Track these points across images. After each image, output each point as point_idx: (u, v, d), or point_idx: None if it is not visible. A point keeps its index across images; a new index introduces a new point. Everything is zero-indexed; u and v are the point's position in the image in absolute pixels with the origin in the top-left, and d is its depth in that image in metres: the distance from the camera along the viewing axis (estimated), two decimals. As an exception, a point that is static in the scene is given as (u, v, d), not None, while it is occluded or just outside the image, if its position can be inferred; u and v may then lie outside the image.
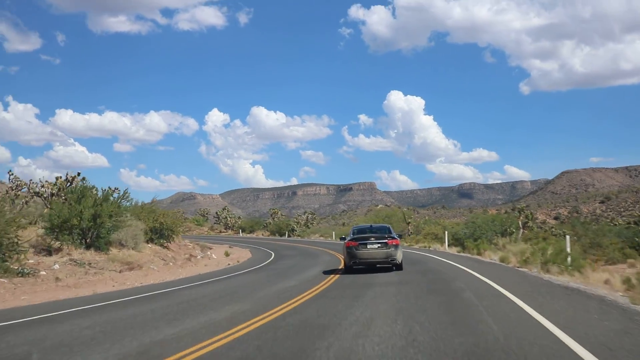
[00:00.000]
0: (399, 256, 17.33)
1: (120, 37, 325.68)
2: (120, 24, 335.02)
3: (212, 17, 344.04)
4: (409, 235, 50.02)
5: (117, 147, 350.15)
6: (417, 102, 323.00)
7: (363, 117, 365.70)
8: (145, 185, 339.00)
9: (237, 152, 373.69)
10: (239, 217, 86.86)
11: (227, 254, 34.19)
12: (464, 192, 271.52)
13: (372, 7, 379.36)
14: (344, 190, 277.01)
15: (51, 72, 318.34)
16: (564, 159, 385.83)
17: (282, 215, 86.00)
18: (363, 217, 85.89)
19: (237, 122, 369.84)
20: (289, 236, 68.59)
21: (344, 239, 19.28)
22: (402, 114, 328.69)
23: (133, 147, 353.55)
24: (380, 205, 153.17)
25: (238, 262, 29.52)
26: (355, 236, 17.68)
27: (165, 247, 29.38)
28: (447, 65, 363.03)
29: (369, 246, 17.03)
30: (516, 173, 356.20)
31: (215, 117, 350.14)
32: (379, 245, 17.04)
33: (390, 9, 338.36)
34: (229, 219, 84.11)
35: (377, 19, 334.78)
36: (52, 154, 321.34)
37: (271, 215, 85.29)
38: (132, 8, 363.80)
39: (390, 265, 17.54)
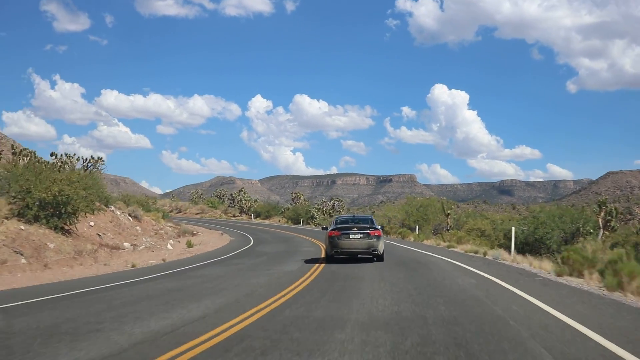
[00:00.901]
0: (380, 247, 17.22)
1: (167, 20, 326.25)
2: (167, 7, 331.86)
3: (259, 3, 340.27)
4: (448, 230, 39.28)
5: (160, 129, 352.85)
6: (461, 97, 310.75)
7: (406, 110, 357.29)
8: (186, 168, 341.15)
9: (278, 139, 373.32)
10: (255, 201, 77.26)
11: (189, 244, 25.97)
12: (505, 188, 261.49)
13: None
14: (383, 181, 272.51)
15: (98, 53, 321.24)
16: (608, 160, 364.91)
17: (304, 200, 76.06)
18: (395, 206, 75.22)
19: (280, 109, 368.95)
20: (306, 224, 58.87)
21: (326, 228, 19.35)
22: (446, 107, 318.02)
23: (175, 130, 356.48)
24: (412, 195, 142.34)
25: (192, 255, 22.83)
26: (338, 226, 17.53)
27: (68, 231, 19.37)
28: (493, 60, 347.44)
29: (351, 236, 16.93)
30: (558, 172, 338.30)
31: (258, 104, 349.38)
32: (362, 235, 16.95)
33: (438, 1, 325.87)
34: (243, 202, 74.67)
35: (424, 11, 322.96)
36: (96, 133, 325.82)
37: (293, 200, 75.58)
38: None
39: (371, 257, 17.42)
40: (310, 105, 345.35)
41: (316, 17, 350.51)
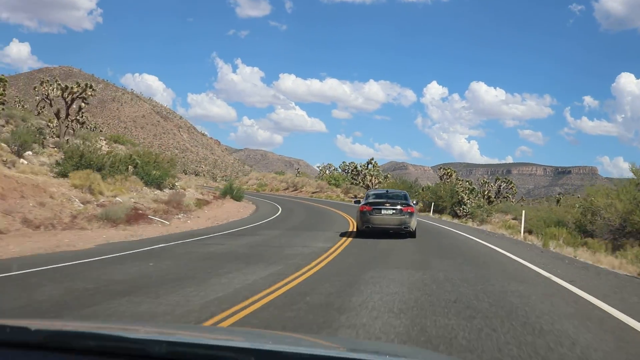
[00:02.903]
0: (412, 224, 17.07)
1: (345, 6, 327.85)
2: None
3: None
4: None
5: (335, 113, 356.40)
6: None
7: (588, 99, 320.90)
8: (359, 153, 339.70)
9: (453, 126, 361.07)
10: (386, 177, 56.76)
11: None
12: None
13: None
14: (561, 172, 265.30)
15: (278, 38, 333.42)
16: None
17: (458, 179, 53.89)
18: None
19: (455, 96, 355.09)
20: (453, 214, 37.78)
21: (358, 202, 18.79)
22: (632, 98, 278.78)
23: (350, 115, 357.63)
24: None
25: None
26: (370, 200, 17.52)
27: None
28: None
29: (383, 212, 16.87)
30: None
31: (434, 90, 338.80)
32: (394, 211, 16.88)
33: None
34: (368, 177, 54.85)
35: None
36: (273, 116, 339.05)
37: (441, 177, 54.29)
38: None
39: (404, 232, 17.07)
40: (487, 93, 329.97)
41: (496, 3, 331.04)
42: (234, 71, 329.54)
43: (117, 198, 19.50)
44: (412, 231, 17.13)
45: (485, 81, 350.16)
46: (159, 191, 26.03)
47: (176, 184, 30.10)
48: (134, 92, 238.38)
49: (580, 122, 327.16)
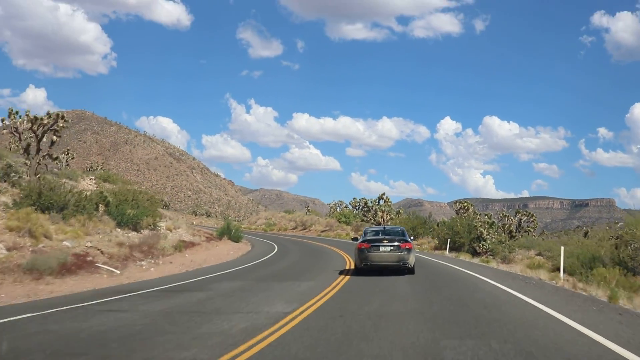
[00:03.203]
0: (411, 260, 16.84)
1: (356, 44, 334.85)
2: (356, 31, 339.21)
3: (448, 24, 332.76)
4: None
5: (349, 151, 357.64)
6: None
7: (602, 131, 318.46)
8: (374, 190, 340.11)
9: (467, 161, 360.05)
10: (398, 212, 53.04)
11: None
12: None
13: (617, 13, 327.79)
14: (579, 205, 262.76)
15: (290, 77, 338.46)
16: None
17: (475, 212, 50.08)
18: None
19: (469, 131, 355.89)
20: (463, 250, 34.03)
21: (356, 239, 18.60)
22: None
23: (364, 152, 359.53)
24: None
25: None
26: (368, 238, 17.37)
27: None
28: None
29: (381, 249, 16.65)
30: None
31: (447, 126, 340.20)
32: (392, 248, 16.66)
33: (637, 15, 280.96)
34: (379, 213, 51.32)
35: (622, 27, 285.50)
36: (288, 155, 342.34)
37: (457, 212, 50.55)
38: (369, 16, 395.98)
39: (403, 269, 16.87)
40: (501, 127, 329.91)
41: (506, 37, 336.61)
42: (248, 111, 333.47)
43: (66, 242, 16.29)
44: (411, 267, 16.95)
45: (498, 115, 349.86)
46: (135, 233, 22.83)
47: (160, 224, 26.92)
48: (147, 134, 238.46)
49: (595, 154, 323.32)
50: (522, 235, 48.52)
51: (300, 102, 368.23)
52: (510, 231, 42.29)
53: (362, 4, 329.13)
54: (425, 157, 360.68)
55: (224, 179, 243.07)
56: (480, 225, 37.05)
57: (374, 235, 17.76)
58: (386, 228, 19.51)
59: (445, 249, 36.39)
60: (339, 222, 58.71)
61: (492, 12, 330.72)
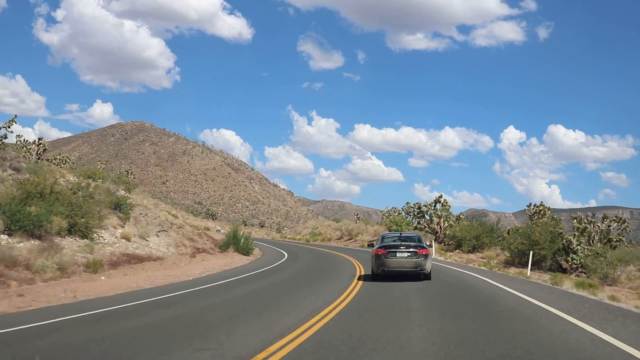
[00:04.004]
0: (428, 266, 16.65)
1: (417, 54, 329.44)
2: (417, 41, 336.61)
3: (510, 32, 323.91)
4: None
5: (411, 161, 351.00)
6: None
7: None
8: None
9: (532, 171, 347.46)
10: (458, 218, 43.15)
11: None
12: None
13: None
14: None
15: (351, 88, 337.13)
16: None
17: (554, 217, 39.81)
18: None
19: (534, 140, 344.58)
20: (545, 265, 24.47)
21: (372, 245, 18.96)
22: None
23: (427, 163, 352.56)
24: None
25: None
26: (385, 244, 17.20)
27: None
28: None
29: (398, 255, 16.51)
30: None
31: (511, 135, 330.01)
32: (409, 254, 16.51)
33: None
34: (435, 218, 41.93)
35: None
36: (350, 166, 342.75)
37: (530, 218, 40.61)
38: (430, 26, 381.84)
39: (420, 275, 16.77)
40: (566, 136, 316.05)
41: (571, 43, 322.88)
42: (310, 123, 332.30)
43: None
44: (428, 273, 16.73)
45: (563, 124, 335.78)
46: (37, 241, 14.96)
47: (109, 228, 19.03)
48: (205, 144, 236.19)
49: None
50: (612, 246, 38.04)
51: (362, 113, 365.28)
52: (609, 239, 32.12)
53: (422, 14, 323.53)
54: (489, 167, 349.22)
55: (283, 189, 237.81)
56: (574, 238, 27.31)
57: (391, 241, 17.52)
58: (402, 234, 19.26)
59: (522, 264, 26.91)
60: (390, 230, 49.69)
61: (555, 18, 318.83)
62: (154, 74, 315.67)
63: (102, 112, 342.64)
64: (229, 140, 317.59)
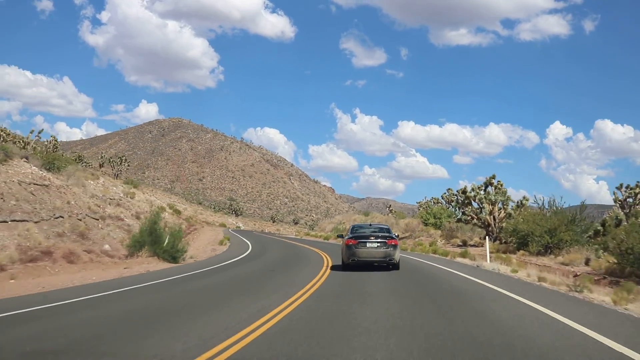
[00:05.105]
0: (396, 256, 16.93)
1: (460, 49, 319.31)
2: (461, 37, 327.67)
3: (556, 25, 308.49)
4: None
5: (456, 158, 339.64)
6: None
7: None
8: None
9: (579, 166, 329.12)
10: (520, 205, 30.64)
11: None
12: None
13: None
14: None
15: (394, 85, 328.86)
16: None
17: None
18: None
19: (580, 135, 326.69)
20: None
21: (342, 236, 19.18)
22: None
23: (472, 160, 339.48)
24: None
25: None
26: (355, 234, 17.42)
27: None
28: None
29: (368, 245, 16.73)
30: None
31: (557, 131, 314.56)
32: (378, 244, 16.74)
33: None
34: (486, 205, 29.78)
35: None
36: (394, 164, 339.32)
37: (621, 206, 28.03)
38: (473, 21, 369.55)
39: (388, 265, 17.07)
40: (614, 131, 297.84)
41: (618, 36, 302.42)
42: (353, 121, 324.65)
43: None
44: (396, 263, 17.01)
45: (611, 119, 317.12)
46: None
47: None
48: (243, 140, 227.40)
49: None
50: None
51: (405, 110, 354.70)
52: None
53: (466, 9, 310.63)
54: (535, 163, 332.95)
55: (324, 185, 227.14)
56: None
57: (361, 232, 17.71)
58: (372, 225, 19.70)
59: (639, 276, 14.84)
60: (425, 224, 37.77)
61: (601, 11, 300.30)
62: (198, 74, 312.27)
63: (148, 112, 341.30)
64: (272, 138, 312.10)
